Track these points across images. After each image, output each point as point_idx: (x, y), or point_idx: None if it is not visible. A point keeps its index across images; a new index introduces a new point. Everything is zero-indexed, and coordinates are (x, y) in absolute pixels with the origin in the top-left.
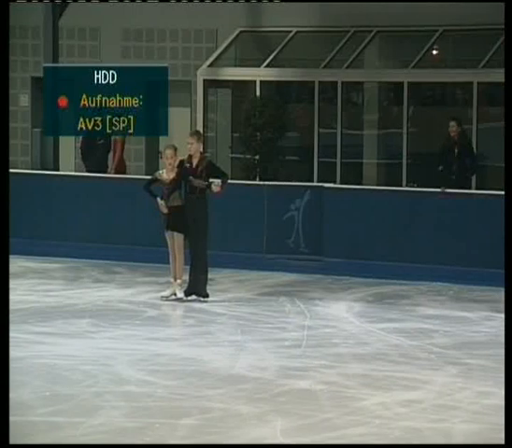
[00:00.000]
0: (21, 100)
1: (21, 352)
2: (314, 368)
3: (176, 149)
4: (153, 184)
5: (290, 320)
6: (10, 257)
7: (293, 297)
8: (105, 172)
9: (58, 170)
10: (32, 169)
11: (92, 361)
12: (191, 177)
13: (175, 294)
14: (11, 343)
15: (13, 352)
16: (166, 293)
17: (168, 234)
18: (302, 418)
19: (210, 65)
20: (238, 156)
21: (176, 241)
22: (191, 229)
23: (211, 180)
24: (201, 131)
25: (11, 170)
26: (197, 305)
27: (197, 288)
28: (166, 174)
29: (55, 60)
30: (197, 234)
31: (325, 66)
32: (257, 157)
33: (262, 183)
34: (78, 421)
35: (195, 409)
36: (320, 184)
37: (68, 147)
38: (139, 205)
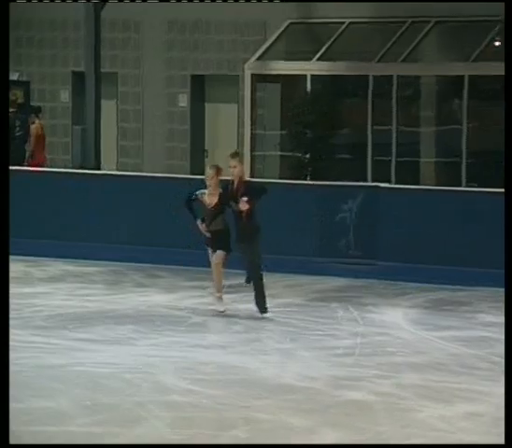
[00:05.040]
0: (62, 95)
1: (61, 359)
2: (367, 378)
3: (218, 170)
4: (193, 203)
5: (341, 327)
6: (49, 260)
7: (345, 303)
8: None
9: (99, 168)
10: (72, 168)
11: (133, 369)
12: (232, 203)
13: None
14: (51, 350)
15: (52, 359)
16: (222, 308)
17: (210, 252)
18: (355, 431)
19: (258, 59)
20: (287, 154)
21: (216, 258)
22: (246, 251)
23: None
24: (250, 128)
25: (51, 169)
26: (244, 311)
27: (258, 304)
28: (208, 197)
29: (97, 53)
30: (253, 256)
31: (380, 60)
32: (307, 155)
33: (312, 183)
34: (118, 431)
35: (241, 420)
36: (374, 184)
37: (110, 144)
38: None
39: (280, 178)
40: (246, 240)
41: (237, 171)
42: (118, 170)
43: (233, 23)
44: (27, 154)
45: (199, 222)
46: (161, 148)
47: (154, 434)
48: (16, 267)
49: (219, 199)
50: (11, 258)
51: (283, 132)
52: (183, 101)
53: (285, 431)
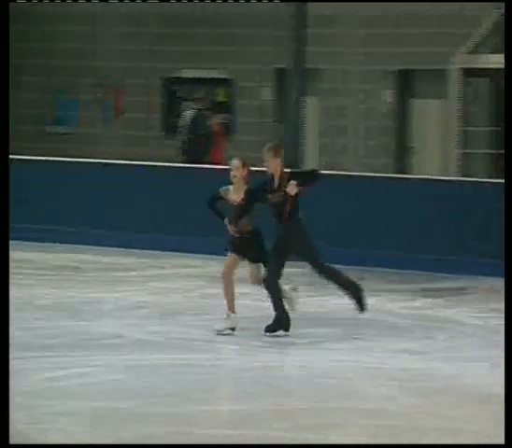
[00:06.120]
0: (264, 93)
1: (254, 362)
2: None
3: (245, 162)
4: (218, 201)
5: None
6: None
7: None
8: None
9: (301, 168)
10: None
11: (326, 374)
12: (269, 196)
13: (232, 328)
14: (244, 352)
15: (238, 363)
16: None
17: (230, 256)
18: None
19: (468, 52)
20: (499, 152)
21: (252, 271)
22: (300, 254)
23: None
24: (458, 124)
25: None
26: (446, 316)
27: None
28: (234, 193)
29: (301, 50)
30: (314, 262)
31: None
32: None
33: None
34: (313, 437)
35: (438, 430)
36: None
37: (312, 142)
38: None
39: (490, 177)
40: (294, 241)
41: (273, 165)
42: (320, 167)
43: (439, 15)
44: (206, 151)
45: (227, 222)
46: (364, 146)
47: (349, 442)
48: (219, 268)
49: (245, 194)
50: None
51: (495, 128)
52: (388, 96)
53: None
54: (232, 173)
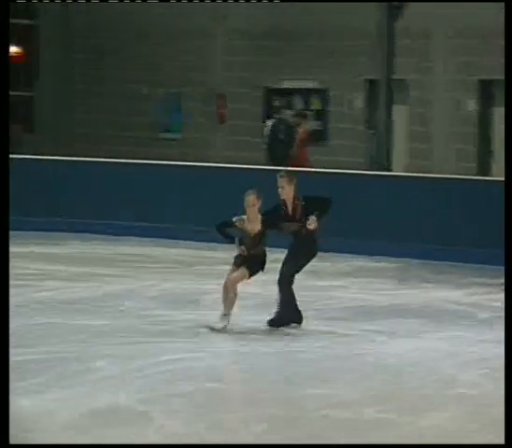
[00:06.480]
0: (355, 102)
1: (349, 350)
2: None
3: (259, 194)
4: (229, 227)
5: None
6: (337, 255)
7: None
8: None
9: (390, 170)
10: (364, 169)
11: (419, 362)
12: (285, 224)
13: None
14: (340, 340)
15: (341, 349)
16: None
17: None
18: None
19: None
20: None
21: (239, 276)
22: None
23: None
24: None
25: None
26: None
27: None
28: (250, 224)
29: (389, 61)
30: (290, 273)
31: None
32: None
33: None
34: (404, 421)
35: None
36: None
37: (401, 147)
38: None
39: None
40: (304, 249)
41: (286, 191)
42: (406, 171)
43: None
44: (290, 155)
45: (237, 243)
46: (449, 150)
47: (442, 426)
48: (311, 262)
49: (261, 225)
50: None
51: None
52: (471, 105)
53: None
54: (248, 209)
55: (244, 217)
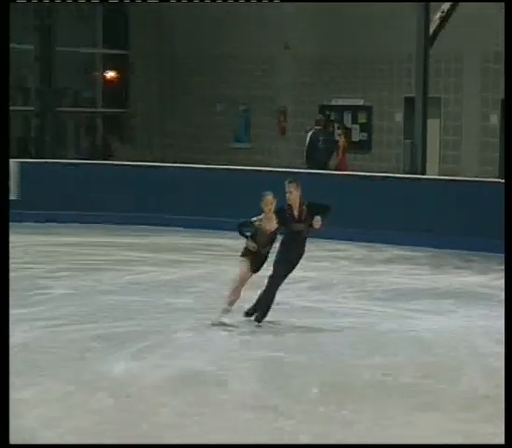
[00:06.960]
0: (396, 116)
1: (395, 325)
2: None
3: (275, 197)
4: (247, 227)
5: None
6: (384, 246)
7: None
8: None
9: (424, 173)
10: (402, 173)
11: (453, 336)
12: (294, 225)
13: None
14: (387, 317)
15: (388, 324)
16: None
17: (244, 264)
18: None
19: None
20: None
21: (245, 273)
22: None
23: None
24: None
25: (378, 174)
26: None
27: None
28: (267, 223)
29: (425, 81)
30: (281, 274)
31: None
32: None
33: None
34: (442, 387)
35: None
36: None
37: (434, 154)
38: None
39: None
40: (295, 259)
41: (293, 196)
42: (439, 175)
43: None
44: (333, 163)
45: (250, 240)
46: (475, 157)
47: (474, 392)
48: (359, 251)
49: (277, 225)
50: (356, 244)
51: None
52: (494, 118)
53: None
54: (265, 208)
55: (261, 217)
